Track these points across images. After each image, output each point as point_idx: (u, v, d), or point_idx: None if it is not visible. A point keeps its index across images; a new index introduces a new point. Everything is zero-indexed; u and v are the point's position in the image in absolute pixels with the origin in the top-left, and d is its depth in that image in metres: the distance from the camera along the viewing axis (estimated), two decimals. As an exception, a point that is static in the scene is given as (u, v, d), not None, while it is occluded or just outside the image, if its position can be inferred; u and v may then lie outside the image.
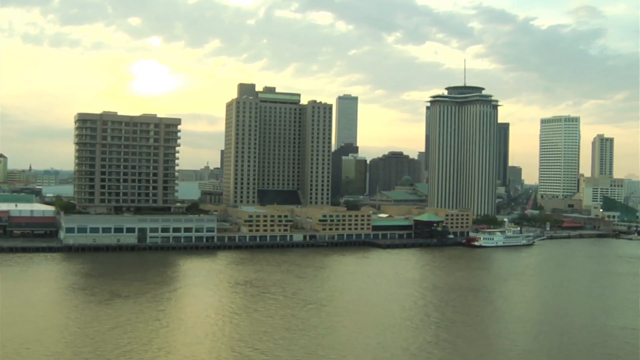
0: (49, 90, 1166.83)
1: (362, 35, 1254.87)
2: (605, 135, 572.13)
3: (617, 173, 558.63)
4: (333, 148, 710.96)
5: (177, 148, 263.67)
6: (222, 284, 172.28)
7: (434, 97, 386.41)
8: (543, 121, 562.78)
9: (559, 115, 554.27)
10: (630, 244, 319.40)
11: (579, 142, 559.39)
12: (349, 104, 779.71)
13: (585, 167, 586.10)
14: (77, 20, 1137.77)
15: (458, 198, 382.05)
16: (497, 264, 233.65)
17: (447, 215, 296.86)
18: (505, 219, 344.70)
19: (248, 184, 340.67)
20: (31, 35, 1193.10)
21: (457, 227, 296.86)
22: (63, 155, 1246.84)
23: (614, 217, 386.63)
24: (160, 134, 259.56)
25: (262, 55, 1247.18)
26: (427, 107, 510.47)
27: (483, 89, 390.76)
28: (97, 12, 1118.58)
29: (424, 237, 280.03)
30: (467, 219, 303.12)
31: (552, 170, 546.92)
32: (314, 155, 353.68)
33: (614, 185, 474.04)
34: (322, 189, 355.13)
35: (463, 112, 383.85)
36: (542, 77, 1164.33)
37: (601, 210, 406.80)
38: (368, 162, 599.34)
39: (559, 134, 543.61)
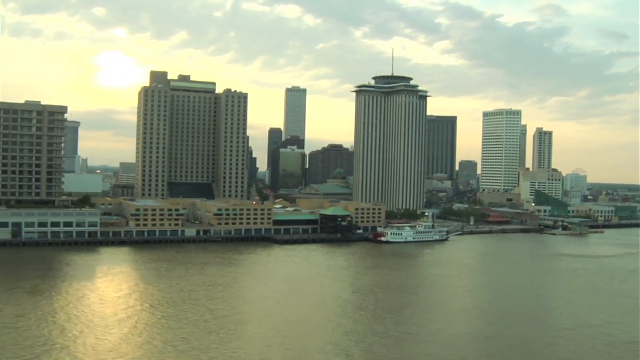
0: (9, 81, 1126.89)
1: (329, 29, 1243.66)
2: (545, 129, 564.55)
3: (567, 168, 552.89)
4: (283, 138, 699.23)
5: (62, 138, 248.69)
6: (93, 281, 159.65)
7: (359, 86, 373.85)
8: (485, 114, 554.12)
9: (500, 108, 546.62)
10: (552, 239, 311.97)
11: (521, 136, 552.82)
12: (297, 95, 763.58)
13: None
14: (39, 9, 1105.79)
15: (383, 191, 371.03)
16: (391, 262, 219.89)
17: (356, 209, 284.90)
18: (427, 213, 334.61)
19: (157, 176, 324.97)
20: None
21: (368, 221, 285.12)
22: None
23: (545, 211, 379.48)
24: (43, 122, 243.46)
25: (229, 48, 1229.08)
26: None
27: (411, 78, 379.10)
28: (59, 1, 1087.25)
29: (329, 232, 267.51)
30: (379, 213, 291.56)
31: (494, 163, 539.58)
32: (228, 147, 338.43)
33: (552, 179, 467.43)
34: (237, 182, 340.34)
35: (389, 102, 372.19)
36: (508, 74, 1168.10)
37: (533, 204, 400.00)
38: (307, 154, 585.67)
39: (500, 127, 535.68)
